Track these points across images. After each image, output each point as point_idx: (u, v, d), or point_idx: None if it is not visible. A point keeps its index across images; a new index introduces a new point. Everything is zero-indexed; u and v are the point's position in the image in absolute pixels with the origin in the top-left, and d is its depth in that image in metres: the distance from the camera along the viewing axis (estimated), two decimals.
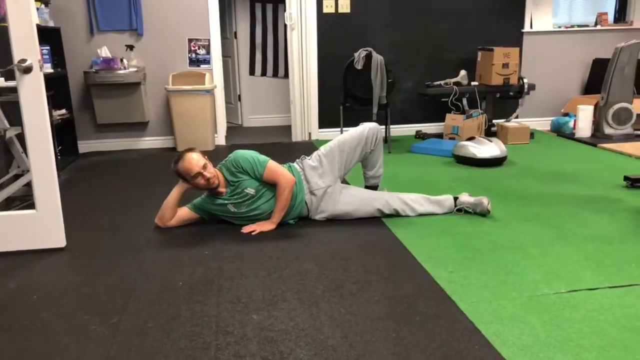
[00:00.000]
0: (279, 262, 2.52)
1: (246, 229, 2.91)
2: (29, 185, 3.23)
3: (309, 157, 3.14)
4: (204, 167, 2.84)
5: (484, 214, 3.10)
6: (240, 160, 2.91)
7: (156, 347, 1.83)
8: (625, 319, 1.94)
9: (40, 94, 2.55)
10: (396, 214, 3.09)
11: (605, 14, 6.07)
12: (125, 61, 5.02)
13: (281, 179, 2.89)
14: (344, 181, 3.32)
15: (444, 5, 5.57)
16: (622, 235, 2.77)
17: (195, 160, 2.84)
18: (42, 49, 4.29)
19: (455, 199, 3.16)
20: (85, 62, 5.06)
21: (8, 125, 3.76)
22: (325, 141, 3.20)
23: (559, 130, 5.69)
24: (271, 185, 2.93)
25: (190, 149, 2.93)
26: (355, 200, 3.05)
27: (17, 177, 3.80)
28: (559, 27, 6.00)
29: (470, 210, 3.12)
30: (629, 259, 2.47)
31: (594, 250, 2.58)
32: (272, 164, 2.93)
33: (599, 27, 6.00)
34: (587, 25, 6.07)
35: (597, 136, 5.26)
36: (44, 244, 2.70)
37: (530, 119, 5.88)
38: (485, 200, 3.10)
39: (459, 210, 3.13)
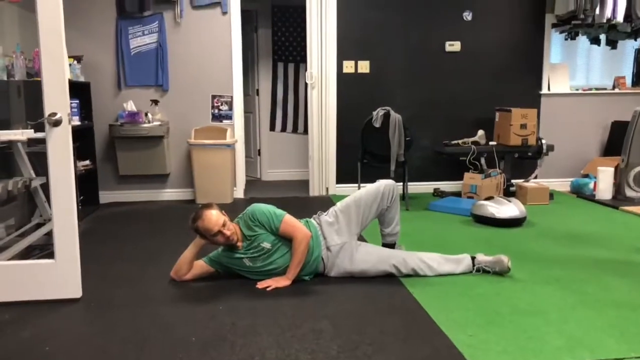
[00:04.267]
0: (293, 320, 2.48)
1: (261, 285, 2.89)
2: (49, 234, 3.28)
3: (325, 213, 3.15)
4: (224, 224, 2.85)
5: (503, 272, 3.04)
6: (257, 214, 2.93)
7: None
8: None
9: (67, 147, 2.63)
10: (414, 274, 3.05)
11: (623, 77, 6.13)
12: (149, 115, 5.17)
13: (297, 233, 2.89)
14: (361, 238, 3.30)
15: (461, 66, 5.69)
16: None
17: (214, 219, 2.84)
18: (72, 103, 4.45)
19: (473, 258, 3.12)
20: (111, 116, 5.23)
21: (34, 175, 3.86)
22: (343, 196, 3.21)
23: (579, 192, 5.63)
24: (287, 240, 2.92)
25: (209, 206, 2.93)
26: (372, 258, 3.03)
27: (38, 225, 3.87)
28: (577, 89, 6.06)
29: (489, 270, 3.07)
30: None
31: (617, 317, 2.49)
32: (288, 218, 2.94)
33: (617, 90, 6.05)
34: (604, 89, 6.12)
35: (619, 198, 5.20)
36: (60, 294, 2.71)
37: (550, 180, 5.85)
38: (505, 259, 3.05)
39: (478, 270, 3.08)
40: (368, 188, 3.15)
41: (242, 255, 2.94)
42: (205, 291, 2.87)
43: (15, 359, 2.14)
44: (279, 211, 2.97)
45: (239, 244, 2.94)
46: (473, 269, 3.09)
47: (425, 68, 5.66)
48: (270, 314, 2.55)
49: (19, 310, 2.59)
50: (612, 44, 5.85)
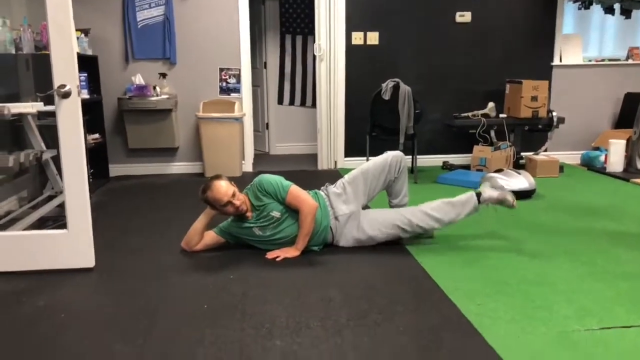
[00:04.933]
0: (303, 289, 2.51)
1: (270, 255, 2.91)
2: (61, 206, 3.32)
3: (333, 185, 3.16)
4: (233, 194, 2.87)
5: (509, 207, 3.06)
6: (265, 184, 2.95)
7: None
8: None
9: (77, 119, 2.63)
10: (423, 231, 3.06)
11: (637, 48, 6.01)
12: (157, 88, 5.16)
13: (303, 205, 2.90)
14: (367, 208, 3.31)
15: (472, 38, 5.60)
16: None
17: (224, 189, 2.87)
18: (80, 76, 4.44)
19: (478, 195, 3.10)
20: (119, 89, 5.22)
21: (45, 148, 3.88)
22: (351, 170, 3.21)
23: (589, 164, 5.59)
24: (295, 210, 2.94)
25: (218, 177, 2.96)
26: (378, 223, 3.03)
27: (50, 198, 3.91)
28: (590, 60, 5.96)
29: (497, 207, 3.08)
30: None
31: (628, 288, 2.50)
32: (295, 189, 2.95)
33: (630, 61, 5.94)
34: (618, 59, 6.01)
35: (630, 171, 5.15)
36: (74, 264, 2.75)
37: (560, 153, 5.80)
38: (509, 196, 3.05)
39: (487, 204, 3.09)
40: (375, 160, 3.15)
41: (252, 225, 2.96)
42: (215, 261, 2.91)
43: (31, 327, 2.19)
44: (286, 182, 2.98)
45: (249, 214, 2.96)
46: (480, 207, 3.08)
47: (435, 39, 5.58)
48: (280, 283, 2.58)
49: (34, 279, 2.64)
50: (626, 13, 5.71)
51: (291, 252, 2.92)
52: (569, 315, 2.22)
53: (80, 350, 1.99)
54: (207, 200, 2.92)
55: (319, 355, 1.91)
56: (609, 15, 5.79)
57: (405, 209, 3.15)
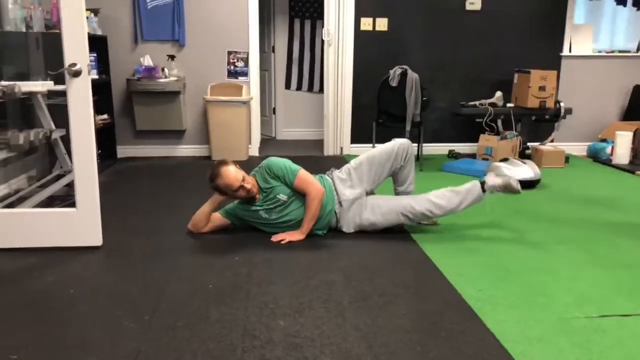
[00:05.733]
0: (306, 271, 2.55)
1: (276, 238, 2.95)
2: (70, 185, 3.37)
3: (339, 170, 3.18)
4: (243, 179, 2.90)
5: (514, 193, 3.06)
6: (273, 167, 2.97)
7: (184, 346, 1.88)
8: None
9: (87, 98, 2.66)
10: (426, 218, 3.08)
11: None
12: (166, 70, 5.18)
13: (311, 188, 2.93)
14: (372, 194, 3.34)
15: (481, 26, 5.57)
16: None
17: (234, 175, 2.88)
18: (90, 56, 4.46)
19: (482, 183, 3.10)
20: (128, 70, 5.24)
21: (54, 127, 3.92)
22: (357, 156, 3.23)
23: (595, 156, 5.58)
24: (302, 194, 2.97)
25: (224, 162, 2.96)
26: (380, 209, 3.05)
27: (59, 177, 3.96)
28: (600, 51, 5.92)
29: (501, 193, 3.08)
30: None
31: (628, 277, 2.52)
32: (303, 173, 2.98)
33: None
34: (628, 51, 5.97)
35: (636, 163, 5.15)
36: (82, 242, 2.80)
37: (566, 144, 5.79)
38: (513, 182, 3.06)
39: (491, 192, 3.07)
40: (382, 147, 3.17)
41: (259, 208, 2.99)
42: (221, 243, 2.95)
43: (41, 302, 2.24)
44: (294, 166, 3.00)
45: (257, 196, 2.99)
46: (484, 195, 3.08)
47: (444, 26, 5.56)
48: (284, 265, 2.62)
49: (44, 255, 2.69)
50: (638, 4, 5.67)
51: (296, 236, 2.95)
52: (569, 302, 2.25)
53: (89, 324, 2.04)
54: (217, 187, 2.94)
55: (321, 335, 1.95)
56: (621, 7, 5.75)
57: (409, 196, 3.16)
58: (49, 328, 2.02)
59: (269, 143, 6.51)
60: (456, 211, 3.07)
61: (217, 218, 3.09)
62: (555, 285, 2.42)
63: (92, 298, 2.27)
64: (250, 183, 2.93)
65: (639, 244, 3.00)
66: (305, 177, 2.96)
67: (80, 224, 2.79)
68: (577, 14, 5.79)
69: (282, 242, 2.92)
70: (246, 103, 5.25)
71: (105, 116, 5.01)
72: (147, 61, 5.17)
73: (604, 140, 5.74)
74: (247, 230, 3.09)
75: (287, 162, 3.01)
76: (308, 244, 2.92)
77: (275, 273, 2.53)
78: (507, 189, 3.07)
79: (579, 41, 5.78)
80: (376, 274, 2.52)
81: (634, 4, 5.68)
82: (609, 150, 5.43)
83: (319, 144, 5.98)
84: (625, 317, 2.13)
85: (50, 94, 3.82)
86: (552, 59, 5.71)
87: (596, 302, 2.26)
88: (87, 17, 4.63)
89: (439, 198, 3.06)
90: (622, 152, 5.21)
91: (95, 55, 4.68)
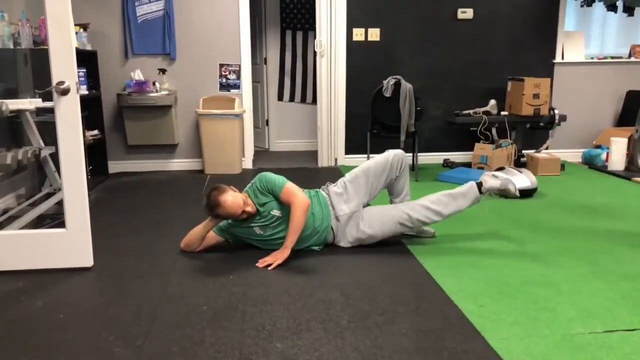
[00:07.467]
0: (303, 290, 2.48)
1: (261, 264, 2.78)
2: (60, 203, 3.29)
3: (334, 184, 3.13)
4: (244, 202, 2.83)
5: (512, 197, 3.02)
6: (265, 181, 2.92)
7: None
8: None
9: (75, 115, 2.60)
10: (423, 225, 3.04)
11: None
12: (157, 84, 5.12)
13: (294, 199, 2.82)
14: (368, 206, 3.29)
15: (473, 35, 5.57)
16: None
17: (235, 202, 2.79)
18: (79, 72, 4.41)
19: (479, 185, 3.06)
20: (118, 85, 5.18)
21: (43, 145, 3.85)
22: (352, 167, 3.19)
23: (590, 163, 5.57)
24: (289, 207, 2.89)
25: (220, 190, 2.82)
26: (377, 221, 3.00)
27: (48, 195, 3.88)
28: (592, 58, 5.93)
29: (498, 196, 3.03)
30: None
31: (631, 289, 2.48)
32: (289, 185, 2.90)
33: (632, 59, 5.91)
34: (620, 57, 5.98)
35: (631, 169, 5.13)
36: (72, 263, 2.73)
37: (561, 151, 5.77)
38: (511, 186, 3.01)
39: (490, 194, 3.03)
40: (377, 158, 3.12)
41: (253, 224, 2.93)
42: (215, 262, 2.88)
43: (30, 327, 2.16)
44: (282, 179, 2.92)
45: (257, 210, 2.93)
46: (480, 197, 3.04)
47: (437, 36, 5.55)
48: (280, 284, 2.56)
49: (32, 278, 2.62)
50: (629, 10, 5.67)
51: (281, 256, 2.80)
52: (572, 317, 2.20)
53: (79, 351, 1.97)
54: (218, 216, 2.85)
55: (319, 358, 1.89)
56: (612, 13, 5.76)
57: (405, 204, 3.11)
58: (37, 356, 1.94)
59: (262, 155, 6.45)
60: (454, 215, 3.03)
61: (211, 236, 3.02)
62: (557, 299, 2.37)
63: (82, 323, 2.20)
64: (249, 204, 2.86)
65: (638, 253, 2.95)
66: (290, 189, 2.87)
67: (70, 245, 2.72)
68: (568, 21, 5.80)
69: (269, 269, 2.75)
70: (239, 116, 5.20)
71: (95, 132, 4.94)
72: (138, 75, 5.12)
73: (598, 147, 5.73)
74: (241, 248, 3.03)
75: (275, 176, 2.94)
76: (304, 260, 2.86)
77: (272, 292, 2.46)
78: (504, 192, 3.04)
79: (571, 48, 5.78)
80: (374, 291, 2.47)
81: (624, 10, 5.69)
82: (604, 156, 5.42)
83: (313, 155, 5.93)
84: (630, 331, 2.08)
85: (39, 111, 3.76)
86: (545, 66, 5.71)
87: (600, 316, 2.21)
88: (77, 33, 4.58)
89: (435, 203, 3.01)
90: (617, 158, 5.19)
91: (84, 70, 4.62)
